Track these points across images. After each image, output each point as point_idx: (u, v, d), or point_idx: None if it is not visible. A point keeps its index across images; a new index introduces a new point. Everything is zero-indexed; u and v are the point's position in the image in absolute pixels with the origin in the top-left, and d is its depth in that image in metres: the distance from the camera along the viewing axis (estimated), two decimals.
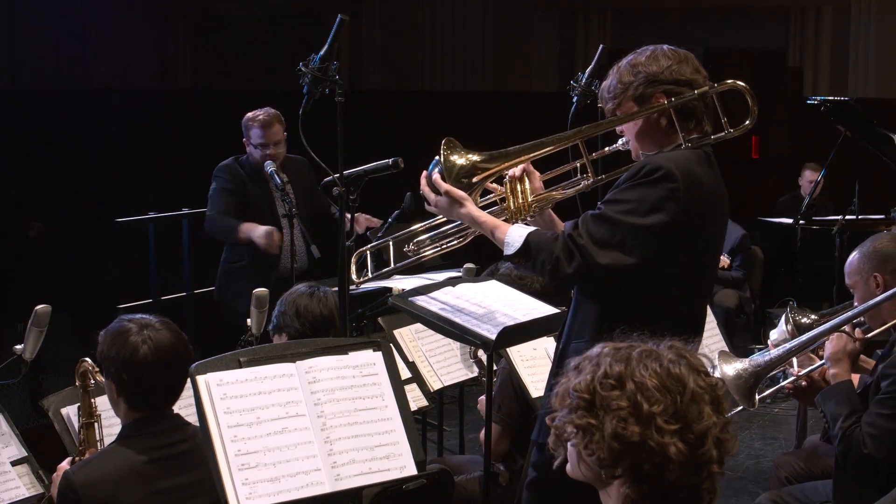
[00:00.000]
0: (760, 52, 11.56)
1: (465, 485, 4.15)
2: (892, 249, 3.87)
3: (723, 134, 3.07)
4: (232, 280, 5.87)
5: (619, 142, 3.16)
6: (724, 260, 8.06)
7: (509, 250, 3.00)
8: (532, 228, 3.03)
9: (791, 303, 7.95)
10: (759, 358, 3.47)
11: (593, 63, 4.89)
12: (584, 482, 2.04)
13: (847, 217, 8.10)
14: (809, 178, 9.13)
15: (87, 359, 3.33)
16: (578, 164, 3.20)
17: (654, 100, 3.01)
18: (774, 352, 3.52)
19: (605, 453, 1.94)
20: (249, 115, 5.97)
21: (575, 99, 4.86)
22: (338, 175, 3.56)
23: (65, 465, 3.17)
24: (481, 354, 4.45)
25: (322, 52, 3.56)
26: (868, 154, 8.37)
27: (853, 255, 3.93)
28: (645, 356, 1.97)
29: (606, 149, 3.23)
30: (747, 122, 3.07)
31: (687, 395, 1.92)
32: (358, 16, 12.55)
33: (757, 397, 3.47)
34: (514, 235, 3.00)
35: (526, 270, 3.14)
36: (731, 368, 3.47)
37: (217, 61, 13.40)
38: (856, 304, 3.91)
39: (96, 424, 3.36)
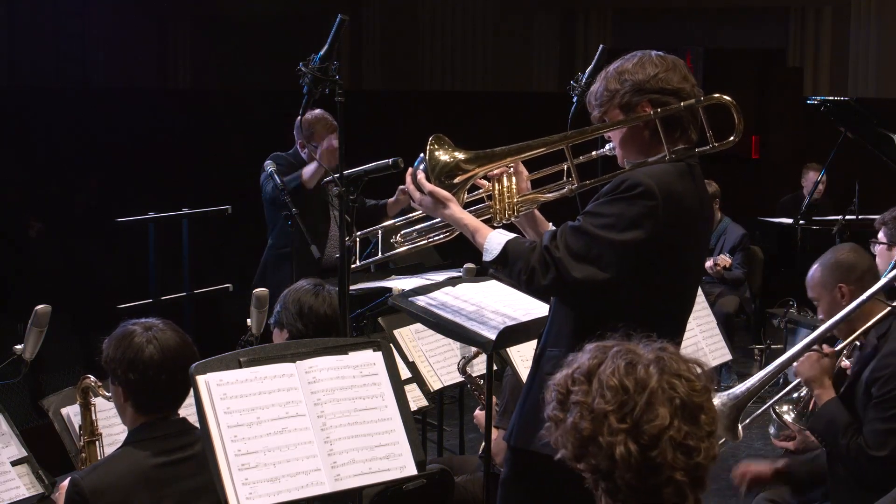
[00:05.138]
0: (760, 52, 11.56)
1: (465, 485, 4.15)
2: (854, 259, 3.93)
3: (707, 147, 3.06)
4: (278, 267, 5.93)
5: (607, 146, 3.16)
6: (725, 259, 8.07)
7: (487, 257, 3.01)
8: (511, 236, 3.02)
9: (791, 303, 7.98)
10: (735, 391, 3.48)
11: (593, 63, 4.89)
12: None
13: (847, 217, 8.10)
14: (814, 178, 9.14)
15: (90, 375, 3.34)
16: (565, 167, 3.19)
17: (640, 108, 3.00)
18: (749, 382, 3.53)
19: (568, 447, 1.96)
20: (318, 116, 5.89)
21: (575, 99, 4.86)
22: (338, 175, 3.56)
23: (66, 485, 3.16)
24: (469, 369, 4.46)
25: (322, 52, 3.56)
26: (868, 154, 8.37)
27: (814, 269, 3.97)
28: (618, 355, 1.97)
29: (594, 153, 3.22)
30: (732, 137, 3.06)
31: (644, 396, 1.92)
32: (358, 16, 12.56)
33: (740, 428, 3.49)
34: (493, 242, 3.00)
35: (504, 277, 3.13)
36: None
37: (217, 61, 13.42)
38: (820, 316, 3.95)
39: (98, 443, 3.37)
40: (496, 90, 12.43)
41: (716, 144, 3.05)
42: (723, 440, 3.35)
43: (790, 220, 8.70)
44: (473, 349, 4.35)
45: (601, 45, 5.07)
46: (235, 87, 13.00)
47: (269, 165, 5.78)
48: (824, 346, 3.80)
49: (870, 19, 10.91)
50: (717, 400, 3.48)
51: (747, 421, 4.93)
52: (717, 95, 3.03)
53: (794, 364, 3.80)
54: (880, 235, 4.42)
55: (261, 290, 4.17)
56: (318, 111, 5.89)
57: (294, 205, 5.60)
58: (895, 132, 8.15)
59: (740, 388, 3.49)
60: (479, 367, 4.57)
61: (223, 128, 12.53)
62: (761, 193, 10.70)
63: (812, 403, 4.15)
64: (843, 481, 3.72)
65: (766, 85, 11.40)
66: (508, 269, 2.97)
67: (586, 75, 4.87)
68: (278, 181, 5.64)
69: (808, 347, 3.72)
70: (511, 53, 12.45)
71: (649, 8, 11.83)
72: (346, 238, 3.46)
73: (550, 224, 3.28)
